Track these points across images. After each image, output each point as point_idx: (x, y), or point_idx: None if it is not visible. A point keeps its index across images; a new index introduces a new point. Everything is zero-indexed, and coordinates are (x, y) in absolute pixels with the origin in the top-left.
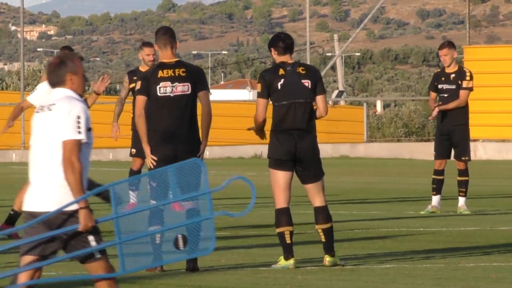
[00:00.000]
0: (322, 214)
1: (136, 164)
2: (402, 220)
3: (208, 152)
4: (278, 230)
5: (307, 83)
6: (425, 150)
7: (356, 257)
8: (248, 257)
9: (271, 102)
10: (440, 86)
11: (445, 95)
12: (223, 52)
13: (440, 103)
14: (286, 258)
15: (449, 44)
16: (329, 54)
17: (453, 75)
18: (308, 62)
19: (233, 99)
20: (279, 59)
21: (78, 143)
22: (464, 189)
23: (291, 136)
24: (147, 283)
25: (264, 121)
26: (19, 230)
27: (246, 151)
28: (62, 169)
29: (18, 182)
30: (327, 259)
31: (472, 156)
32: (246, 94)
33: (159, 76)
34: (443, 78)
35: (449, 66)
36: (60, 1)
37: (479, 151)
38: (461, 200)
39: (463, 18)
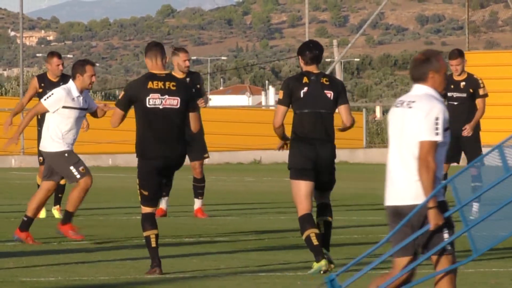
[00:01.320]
0: (327, 209)
1: (198, 169)
2: None
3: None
4: (304, 235)
5: (329, 94)
6: None
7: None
8: (247, 263)
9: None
10: (449, 94)
11: (455, 103)
12: (222, 57)
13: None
14: (318, 261)
15: (460, 53)
16: (328, 59)
17: (463, 83)
18: None
19: (232, 105)
20: (305, 68)
21: (435, 144)
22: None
23: (313, 145)
24: None
25: (282, 126)
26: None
27: (245, 157)
28: (417, 167)
29: (17, 188)
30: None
31: None
32: (245, 99)
33: (148, 87)
34: (452, 86)
35: (459, 74)
36: (59, 7)
37: None
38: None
39: (462, 23)
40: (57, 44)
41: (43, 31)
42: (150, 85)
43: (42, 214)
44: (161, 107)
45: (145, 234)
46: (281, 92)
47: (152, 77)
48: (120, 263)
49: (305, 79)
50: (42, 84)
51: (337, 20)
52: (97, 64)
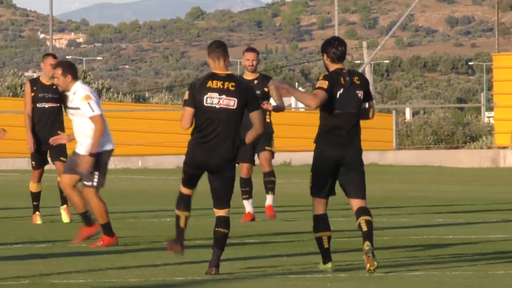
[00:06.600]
0: (367, 210)
1: (244, 171)
2: (431, 227)
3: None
4: (317, 235)
5: (360, 93)
6: (454, 158)
7: (385, 265)
8: (277, 265)
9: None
10: None
11: None
12: None
13: None
14: (325, 263)
15: None
16: (358, 61)
17: None
18: None
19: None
20: (332, 66)
21: None
22: None
23: (340, 144)
24: None
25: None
26: None
27: (275, 159)
28: None
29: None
30: (367, 243)
31: (501, 163)
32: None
33: (208, 86)
34: None
35: None
36: (89, 9)
37: (508, 159)
38: None
39: (492, 25)
40: (87, 46)
41: (72, 33)
42: (209, 84)
43: (38, 220)
44: (217, 106)
45: (177, 212)
46: (325, 82)
47: (213, 76)
48: (150, 265)
49: (342, 80)
50: (34, 88)
51: (366, 22)
52: (127, 66)
